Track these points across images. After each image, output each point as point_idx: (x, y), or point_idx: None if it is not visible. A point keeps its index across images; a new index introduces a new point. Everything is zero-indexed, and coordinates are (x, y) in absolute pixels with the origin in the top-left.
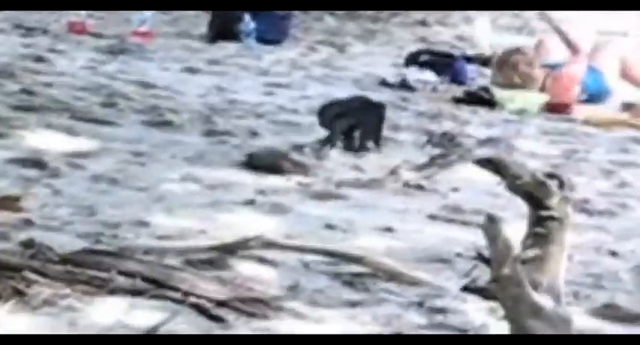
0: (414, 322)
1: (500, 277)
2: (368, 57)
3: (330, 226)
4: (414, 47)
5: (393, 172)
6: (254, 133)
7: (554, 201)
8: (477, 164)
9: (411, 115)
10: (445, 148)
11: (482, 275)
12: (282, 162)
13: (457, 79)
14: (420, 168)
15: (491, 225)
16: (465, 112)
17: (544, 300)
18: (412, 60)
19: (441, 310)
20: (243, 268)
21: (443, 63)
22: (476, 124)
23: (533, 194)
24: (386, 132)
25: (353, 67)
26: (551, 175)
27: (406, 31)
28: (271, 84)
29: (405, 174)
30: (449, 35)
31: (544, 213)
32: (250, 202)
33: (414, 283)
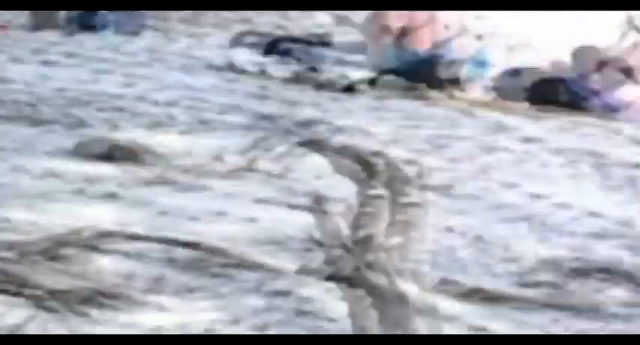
0: (252, 306)
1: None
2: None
3: (162, 213)
4: (238, 29)
5: (218, 156)
6: (82, 123)
7: (380, 180)
8: (301, 146)
9: (238, 97)
10: (268, 130)
11: (318, 257)
12: (112, 150)
13: (284, 58)
14: (243, 151)
15: (319, 207)
16: (294, 92)
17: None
18: (237, 42)
19: (279, 293)
20: (77, 258)
21: (265, 43)
22: (304, 105)
23: (359, 174)
24: (212, 115)
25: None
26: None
27: (231, 12)
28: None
29: (230, 158)
30: (273, 15)
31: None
32: (81, 191)
33: (250, 266)
